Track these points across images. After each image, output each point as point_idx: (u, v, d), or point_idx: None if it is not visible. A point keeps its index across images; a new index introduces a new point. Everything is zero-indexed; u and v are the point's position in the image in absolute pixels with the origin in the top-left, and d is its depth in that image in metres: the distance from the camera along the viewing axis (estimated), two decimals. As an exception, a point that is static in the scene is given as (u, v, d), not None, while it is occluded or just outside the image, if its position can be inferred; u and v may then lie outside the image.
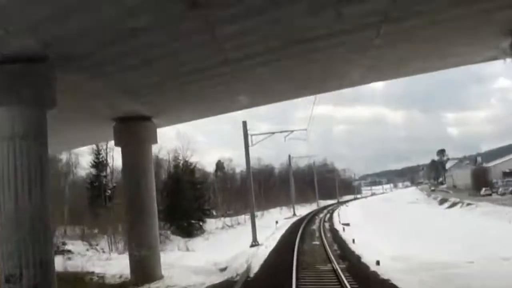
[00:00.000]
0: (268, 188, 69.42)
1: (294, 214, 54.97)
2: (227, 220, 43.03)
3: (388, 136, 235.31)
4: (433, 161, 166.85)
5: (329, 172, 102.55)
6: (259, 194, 64.42)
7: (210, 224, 40.35)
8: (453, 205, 60.30)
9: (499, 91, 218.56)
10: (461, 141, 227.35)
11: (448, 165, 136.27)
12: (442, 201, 70.72)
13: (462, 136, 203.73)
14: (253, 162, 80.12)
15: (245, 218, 46.31)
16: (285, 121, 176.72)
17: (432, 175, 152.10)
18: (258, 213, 51.73)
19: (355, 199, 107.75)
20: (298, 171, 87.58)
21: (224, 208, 58.87)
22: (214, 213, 55.66)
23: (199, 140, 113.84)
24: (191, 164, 39.55)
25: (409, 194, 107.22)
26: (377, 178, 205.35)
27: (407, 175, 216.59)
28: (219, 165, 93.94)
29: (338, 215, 45.30)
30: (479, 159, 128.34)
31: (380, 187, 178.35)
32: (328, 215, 49.01)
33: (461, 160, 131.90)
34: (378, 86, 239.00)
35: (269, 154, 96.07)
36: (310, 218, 43.81)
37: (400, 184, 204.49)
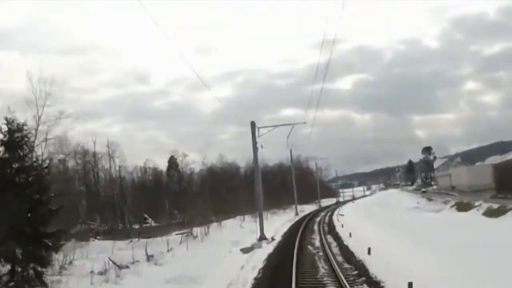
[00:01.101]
0: (231, 191, 55.23)
1: (262, 237, 28.76)
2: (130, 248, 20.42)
3: (356, 138, 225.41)
4: (410, 162, 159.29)
5: (307, 170, 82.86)
6: (219, 197, 51.16)
7: (87, 260, 18.09)
8: (495, 214, 41.72)
9: (467, 94, 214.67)
10: (429, 143, 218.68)
11: (436, 164, 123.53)
12: (461, 207, 53.37)
13: (430, 139, 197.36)
14: (214, 159, 64.01)
15: (181, 239, 24.99)
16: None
17: (419, 176, 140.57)
18: (199, 231, 30.35)
19: (337, 203, 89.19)
20: (266, 170, 70.95)
21: (172, 217, 46.79)
22: (153, 223, 44.29)
23: (169, 143, 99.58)
24: (12, 130, 15.23)
25: (399, 197, 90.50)
26: (348, 180, 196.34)
27: (379, 177, 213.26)
28: (172, 162, 73.30)
29: (362, 246, 19.98)
30: (458, 159, 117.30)
31: (360, 188, 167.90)
32: (332, 240, 25.35)
33: (451, 159, 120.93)
34: (345, 87, 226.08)
35: (236, 155, 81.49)
36: (297, 252, 19.55)
37: (373, 187, 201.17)
